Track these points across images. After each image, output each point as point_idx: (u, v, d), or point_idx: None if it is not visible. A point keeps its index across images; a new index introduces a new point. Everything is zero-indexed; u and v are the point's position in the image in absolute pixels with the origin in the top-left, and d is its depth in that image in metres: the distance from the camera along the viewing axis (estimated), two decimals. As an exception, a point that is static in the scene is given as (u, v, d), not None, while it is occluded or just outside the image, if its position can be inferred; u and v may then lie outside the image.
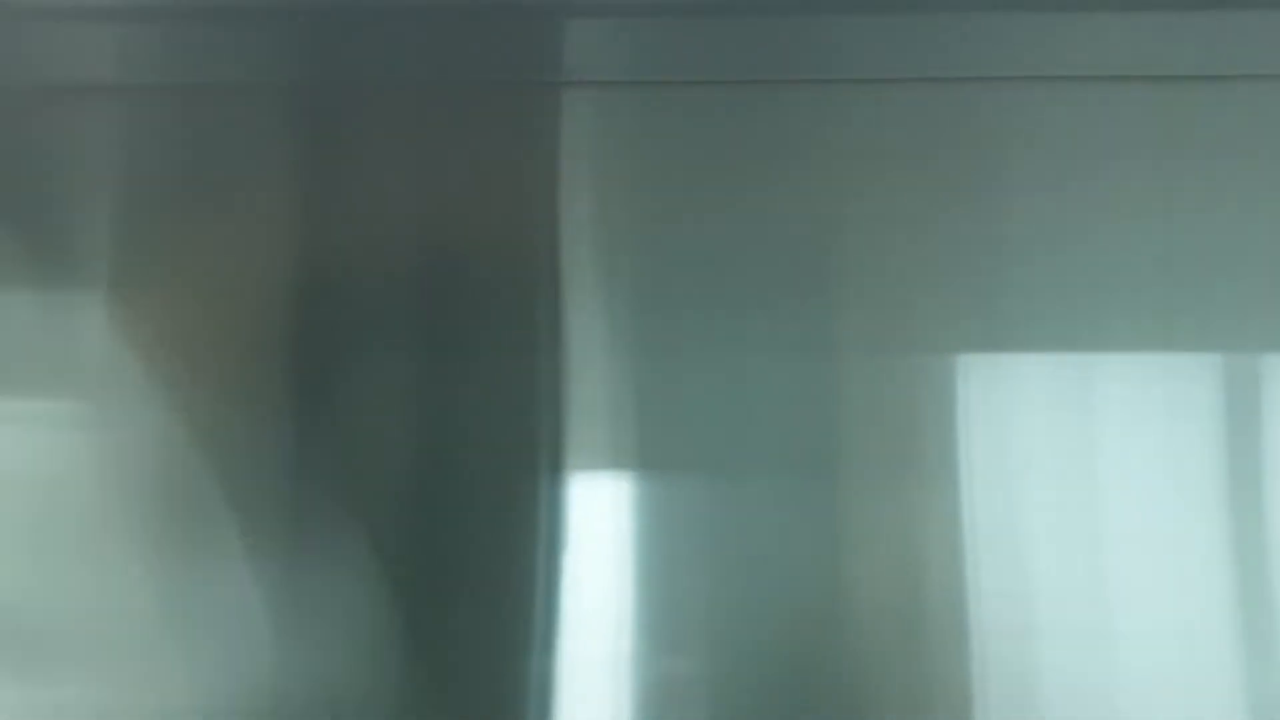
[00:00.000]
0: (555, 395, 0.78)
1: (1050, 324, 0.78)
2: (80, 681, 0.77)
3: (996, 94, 0.80)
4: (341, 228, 0.81)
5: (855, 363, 0.78)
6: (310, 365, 0.80)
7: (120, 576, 0.78)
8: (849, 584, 0.76)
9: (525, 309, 0.80)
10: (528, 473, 0.78)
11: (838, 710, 0.75)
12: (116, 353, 0.80)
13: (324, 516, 0.78)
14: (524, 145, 0.81)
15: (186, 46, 0.82)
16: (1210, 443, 0.77)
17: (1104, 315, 0.78)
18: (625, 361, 0.79)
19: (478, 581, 0.77)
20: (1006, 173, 0.80)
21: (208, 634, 0.77)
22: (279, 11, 0.82)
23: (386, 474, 0.79)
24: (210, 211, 0.81)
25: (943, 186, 0.80)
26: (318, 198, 0.81)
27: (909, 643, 0.75)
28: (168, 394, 0.79)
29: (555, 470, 0.78)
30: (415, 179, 0.81)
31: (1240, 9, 0.78)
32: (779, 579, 0.76)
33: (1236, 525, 0.76)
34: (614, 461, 0.78)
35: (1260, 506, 0.76)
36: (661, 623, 0.76)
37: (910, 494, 0.77)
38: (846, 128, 0.80)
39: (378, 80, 0.82)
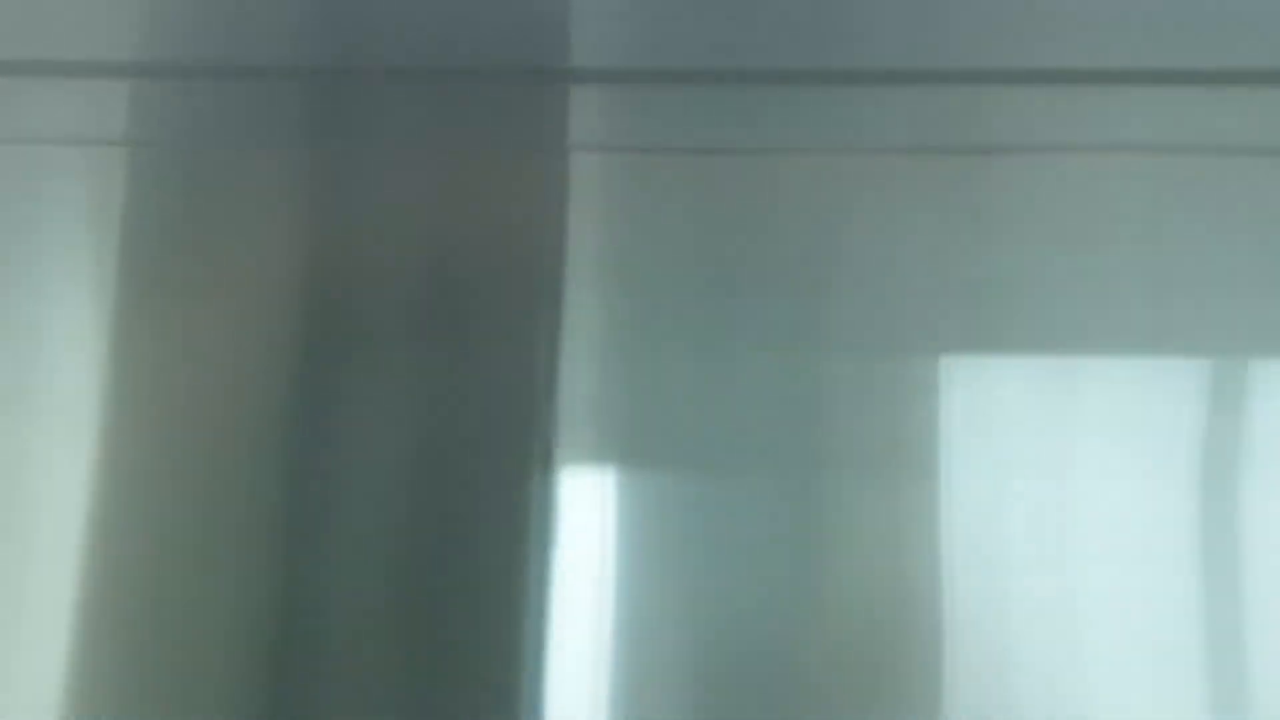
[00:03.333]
0: (548, 392, 0.80)
1: (1034, 326, 0.80)
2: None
3: (987, 161, 0.82)
4: (348, 243, 0.83)
5: (841, 362, 0.80)
6: (311, 366, 0.82)
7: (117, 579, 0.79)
8: (831, 580, 0.77)
9: (521, 309, 0.81)
10: (520, 469, 0.79)
11: (817, 705, 0.75)
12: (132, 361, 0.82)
13: (319, 513, 0.79)
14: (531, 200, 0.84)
15: (197, 105, 0.85)
16: (1191, 448, 0.77)
17: (1088, 320, 0.80)
18: (615, 359, 0.80)
19: (469, 576, 0.78)
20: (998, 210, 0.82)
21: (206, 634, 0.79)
22: (293, 71, 0.85)
23: (382, 470, 0.80)
24: (225, 250, 0.83)
25: (934, 201, 0.82)
26: (328, 225, 0.84)
27: (889, 638, 0.76)
28: (175, 399, 0.81)
29: (546, 467, 0.79)
30: (422, 200, 0.84)
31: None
32: (762, 575, 0.77)
33: (1215, 531, 0.77)
34: (601, 459, 0.79)
35: (1239, 514, 0.77)
36: (646, 618, 0.77)
37: (893, 493, 0.77)
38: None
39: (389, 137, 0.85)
